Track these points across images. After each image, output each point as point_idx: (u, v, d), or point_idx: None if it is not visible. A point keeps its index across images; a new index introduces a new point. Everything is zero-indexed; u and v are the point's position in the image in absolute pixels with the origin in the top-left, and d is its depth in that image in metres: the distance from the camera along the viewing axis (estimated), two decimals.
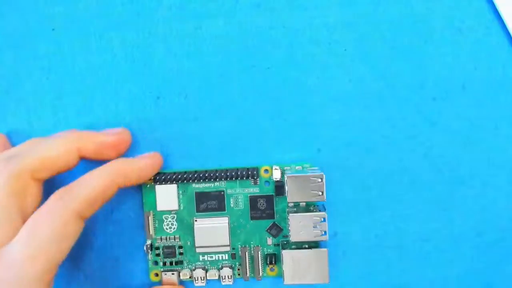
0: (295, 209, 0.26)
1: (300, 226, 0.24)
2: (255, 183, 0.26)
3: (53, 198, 0.22)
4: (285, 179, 0.24)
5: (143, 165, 0.25)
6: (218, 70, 0.27)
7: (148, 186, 0.27)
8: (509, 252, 0.27)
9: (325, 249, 0.25)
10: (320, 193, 0.24)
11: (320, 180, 0.24)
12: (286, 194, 0.25)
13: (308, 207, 0.26)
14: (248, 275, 0.27)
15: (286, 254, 0.25)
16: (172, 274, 0.27)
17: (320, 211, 0.25)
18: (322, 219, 0.24)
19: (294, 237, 0.24)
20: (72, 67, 0.27)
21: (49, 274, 0.21)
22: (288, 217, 0.25)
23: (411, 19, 0.26)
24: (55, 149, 0.23)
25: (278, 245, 0.27)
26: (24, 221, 0.22)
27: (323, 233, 0.24)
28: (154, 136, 0.27)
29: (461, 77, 0.26)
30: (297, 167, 0.26)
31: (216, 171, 0.26)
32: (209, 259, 0.27)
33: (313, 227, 0.24)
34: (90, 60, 0.27)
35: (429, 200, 0.27)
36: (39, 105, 0.27)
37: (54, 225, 0.21)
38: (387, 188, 0.27)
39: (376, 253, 0.27)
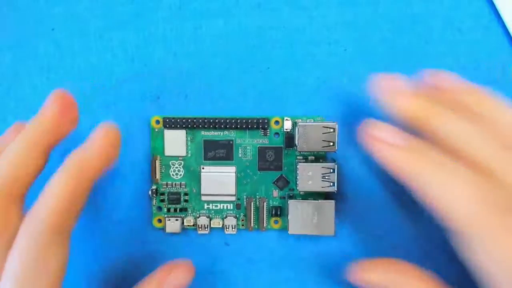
0: (304, 160, 0.25)
1: (308, 176, 0.24)
2: (265, 134, 0.26)
3: (21, 231, 0.19)
4: (297, 128, 0.24)
5: (102, 146, 0.21)
6: (218, 70, 0.27)
7: (156, 130, 0.26)
8: None
9: (332, 201, 0.24)
10: (331, 144, 0.23)
11: (332, 129, 0.23)
12: (296, 144, 0.24)
13: (318, 160, 0.25)
14: (252, 225, 0.26)
15: (292, 204, 0.25)
16: (176, 220, 0.26)
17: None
18: (331, 170, 0.24)
19: (301, 187, 0.24)
20: (72, 67, 0.27)
21: None
22: (297, 167, 0.24)
23: (411, 19, 0.26)
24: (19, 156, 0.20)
25: (284, 198, 0.26)
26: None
27: (331, 184, 0.24)
28: None
29: (461, 77, 0.26)
30: (308, 120, 0.25)
31: (226, 119, 0.26)
32: (213, 207, 0.27)
33: (322, 178, 0.24)
34: (90, 60, 0.27)
35: None
36: (39, 105, 0.27)
37: (23, 265, 0.19)
38: (388, 189, 0.27)
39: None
